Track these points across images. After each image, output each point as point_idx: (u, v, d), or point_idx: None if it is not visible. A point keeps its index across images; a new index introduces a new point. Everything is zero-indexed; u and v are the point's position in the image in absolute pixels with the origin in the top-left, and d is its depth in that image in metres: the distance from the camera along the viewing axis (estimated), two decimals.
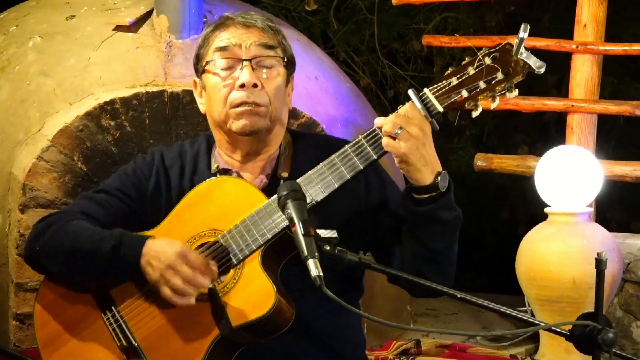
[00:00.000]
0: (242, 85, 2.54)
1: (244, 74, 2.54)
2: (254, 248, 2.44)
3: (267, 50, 2.58)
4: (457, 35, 5.67)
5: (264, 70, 2.57)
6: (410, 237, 2.50)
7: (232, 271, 2.45)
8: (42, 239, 2.57)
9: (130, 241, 2.46)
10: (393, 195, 2.62)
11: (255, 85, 2.54)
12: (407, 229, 2.51)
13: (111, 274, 2.49)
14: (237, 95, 2.55)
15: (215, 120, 2.62)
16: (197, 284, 2.39)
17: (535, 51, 2.40)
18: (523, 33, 2.32)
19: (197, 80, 2.68)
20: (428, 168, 2.41)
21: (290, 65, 2.65)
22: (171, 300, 2.40)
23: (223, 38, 2.58)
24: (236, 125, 2.56)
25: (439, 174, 2.42)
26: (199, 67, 2.64)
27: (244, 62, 2.55)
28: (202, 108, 2.68)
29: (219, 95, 2.57)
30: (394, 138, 2.37)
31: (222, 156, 2.67)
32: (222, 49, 2.57)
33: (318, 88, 4.35)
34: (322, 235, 2.25)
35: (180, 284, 2.38)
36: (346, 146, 2.45)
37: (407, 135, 2.36)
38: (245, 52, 2.56)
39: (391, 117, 2.40)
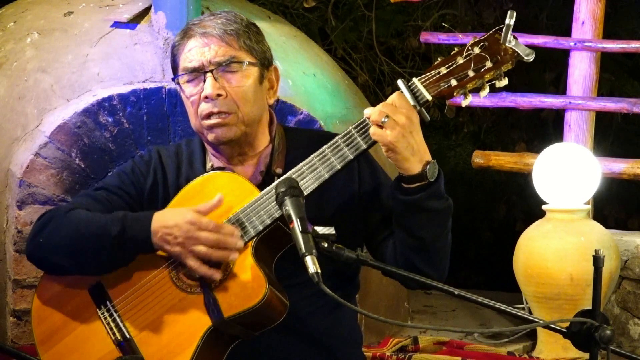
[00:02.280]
0: (207, 97, 2.57)
1: (206, 86, 2.57)
2: (246, 240, 2.45)
3: (227, 59, 2.58)
4: (455, 32, 5.67)
5: (228, 77, 2.59)
6: (400, 227, 2.51)
7: (224, 263, 2.46)
8: (45, 231, 2.58)
9: (135, 221, 2.48)
10: (385, 186, 2.64)
11: (219, 95, 2.57)
12: (397, 218, 2.53)
13: (121, 256, 2.51)
14: (204, 107, 2.59)
15: (194, 129, 2.67)
16: (226, 245, 2.41)
17: (533, 48, 2.40)
18: (509, 20, 2.34)
19: (177, 87, 2.71)
20: (416, 157, 2.42)
21: (262, 61, 2.65)
22: (198, 271, 2.42)
23: (187, 51, 2.61)
24: (210, 136, 2.60)
25: (427, 163, 2.43)
26: (174, 78, 2.68)
27: (206, 74, 2.57)
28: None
29: (190, 107, 2.63)
30: (381, 127, 2.39)
31: (215, 156, 2.69)
32: (187, 62, 2.60)
33: (316, 85, 4.35)
34: (320, 232, 2.26)
35: (205, 250, 2.40)
36: (337, 137, 2.48)
37: (393, 123, 2.38)
38: (206, 63, 2.58)
39: (379, 106, 2.41)
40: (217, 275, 2.43)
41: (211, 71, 2.57)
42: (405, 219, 2.50)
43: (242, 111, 2.59)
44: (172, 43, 2.68)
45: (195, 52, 2.59)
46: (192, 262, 2.42)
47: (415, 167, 2.43)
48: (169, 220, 2.45)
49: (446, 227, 2.53)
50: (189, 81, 2.61)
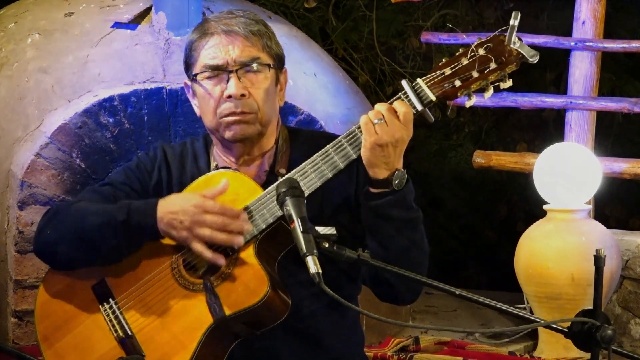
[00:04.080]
0: (230, 97, 2.56)
1: (230, 86, 2.56)
2: (248, 238, 2.46)
3: (251, 59, 2.58)
4: (457, 31, 5.67)
5: (251, 78, 2.59)
6: (370, 237, 2.52)
7: (227, 261, 2.47)
8: (52, 225, 2.59)
9: (141, 208, 2.48)
10: None
11: (242, 95, 2.56)
12: (366, 228, 2.53)
13: (127, 244, 2.50)
14: (226, 106, 2.58)
15: (207, 127, 2.66)
16: (230, 228, 2.41)
17: (534, 48, 2.40)
18: (514, 21, 2.34)
19: (187, 82, 2.70)
20: (387, 166, 2.44)
21: (278, 64, 2.66)
22: (203, 255, 2.42)
23: (208, 48, 2.59)
24: (227, 133, 2.60)
25: (395, 170, 2.44)
26: (189, 74, 2.66)
27: (230, 73, 2.57)
28: (197, 110, 2.71)
29: (208, 105, 2.61)
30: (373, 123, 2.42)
31: (220, 155, 2.69)
32: (209, 59, 2.59)
33: (317, 85, 4.35)
34: (321, 232, 2.26)
35: (210, 233, 2.40)
36: (340, 137, 2.48)
37: (385, 128, 2.40)
38: (231, 62, 2.57)
39: (382, 107, 2.43)
40: (221, 260, 2.42)
41: (236, 71, 2.57)
42: (372, 227, 2.50)
43: (262, 111, 2.59)
44: (189, 39, 2.65)
45: (218, 50, 2.58)
46: (198, 246, 2.42)
47: (382, 173, 2.44)
48: (175, 205, 2.45)
49: (414, 240, 2.52)
50: (209, 78, 2.60)
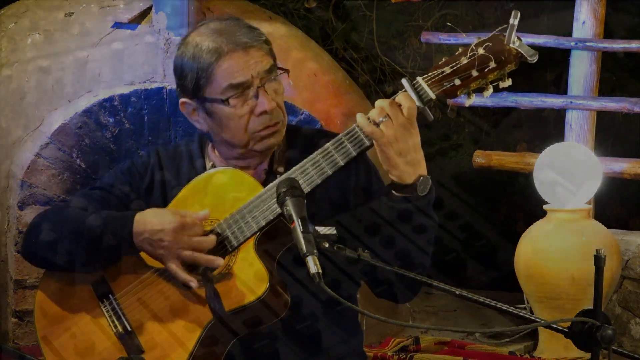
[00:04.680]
0: (264, 112, 2.54)
1: (263, 102, 2.53)
2: (248, 235, 2.46)
3: (270, 69, 2.57)
4: (457, 31, 5.66)
5: (274, 87, 2.58)
6: (371, 235, 2.50)
7: (227, 258, 2.48)
8: (38, 230, 2.60)
9: (117, 221, 2.49)
10: (374, 192, 2.62)
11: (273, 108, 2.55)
12: (380, 226, 2.51)
13: (100, 256, 2.51)
14: (260, 122, 2.55)
15: (230, 143, 2.61)
16: (205, 248, 2.43)
17: (534, 48, 2.40)
18: (513, 20, 2.34)
19: (188, 100, 2.63)
20: (408, 167, 2.42)
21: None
22: (176, 275, 2.43)
23: (229, 68, 2.53)
24: (260, 145, 2.58)
25: (420, 176, 2.43)
26: (199, 94, 2.58)
27: (258, 89, 2.54)
28: (200, 127, 2.65)
29: (237, 124, 2.56)
30: (378, 125, 2.40)
31: (218, 157, 2.67)
32: (232, 79, 2.53)
33: (317, 85, 4.35)
34: (321, 232, 2.26)
35: (190, 254, 2.41)
36: (340, 135, 2.47)
37: (390, 123, 2.39)
38: (255, 76, 2.54)
39: (383, 103, 2.43)
40: (194, 283, 2.43)
41: (262, 86, 2.54)
42: (386, 227, 2.49)
43: (285, 117, 2.61)
44: (201, 60, 2.55)
45: (240, 67, 2.53)
46: (173, 267, 2.43)
47: (405, 177, 2.43)
48: (155, 224, 2.44)
49: (426, 246, 2.52)
50: (235, 97, 2.54)
